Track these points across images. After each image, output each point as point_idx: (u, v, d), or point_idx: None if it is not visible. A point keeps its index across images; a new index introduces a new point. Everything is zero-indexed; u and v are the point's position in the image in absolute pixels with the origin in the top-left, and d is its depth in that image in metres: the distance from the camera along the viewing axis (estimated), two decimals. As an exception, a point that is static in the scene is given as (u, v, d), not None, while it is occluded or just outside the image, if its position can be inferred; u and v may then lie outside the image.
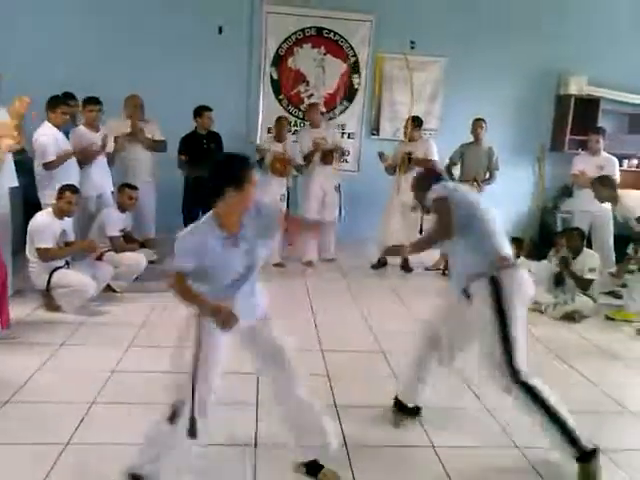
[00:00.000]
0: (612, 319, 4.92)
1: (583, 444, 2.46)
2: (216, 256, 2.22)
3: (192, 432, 2.17)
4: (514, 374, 2.51)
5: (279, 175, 6.02)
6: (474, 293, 2.67)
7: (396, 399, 3.09)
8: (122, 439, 2.70)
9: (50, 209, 4.53)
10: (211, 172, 2.31)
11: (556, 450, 2.56)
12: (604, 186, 4.96)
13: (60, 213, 4.51)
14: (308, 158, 6.14)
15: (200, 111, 5.93)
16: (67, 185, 4.57)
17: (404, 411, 3.06)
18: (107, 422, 2.86)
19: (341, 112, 7.19)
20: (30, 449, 2.61)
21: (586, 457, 2.46)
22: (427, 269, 6.39)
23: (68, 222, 4.61)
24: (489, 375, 2.61)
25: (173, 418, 2.21)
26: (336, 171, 6.29)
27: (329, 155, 6.10)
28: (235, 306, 2.18)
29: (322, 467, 2.51)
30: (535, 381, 2.53)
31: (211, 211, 2.32)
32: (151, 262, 5.44)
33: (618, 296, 5.38)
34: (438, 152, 6.13)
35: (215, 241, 2.23)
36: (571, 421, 2.50)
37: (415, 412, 3.06)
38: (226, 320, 2.13)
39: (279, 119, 6.18)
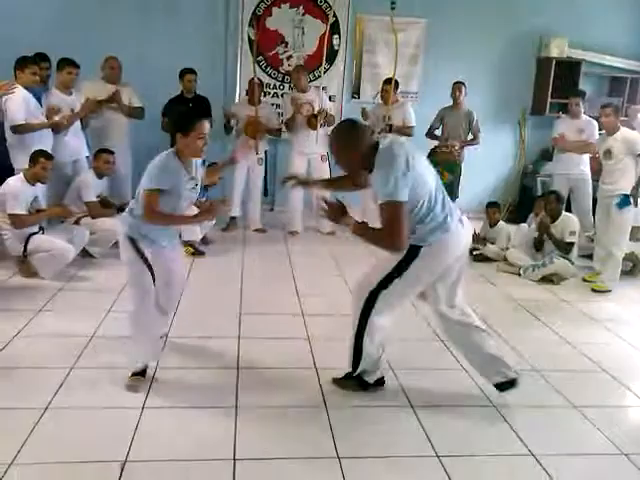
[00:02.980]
0: (589, 281, 4.99)
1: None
2: (180, 185, 2.83)
3: None
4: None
5: (252, 138, 5.87)
6: None
7: None
8: (101, 403, 2.71)
9: (22, 175, 4.42)
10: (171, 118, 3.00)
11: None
12: (617, 114, 4.90)
13: (34, 179, 4.41)
14: (289, 123, 6.00)
15: (181, 74, 5.84)
16: (40, 151, 4.44)
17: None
18: (86, 387, 2.85)
19: (321, 74, 7.05)
20: (8, 414, 2.59)
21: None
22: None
23: (40, 188, 4.51)
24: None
25: None
26: (322, 138, 5.96)
27: (312, 119, 5.88)
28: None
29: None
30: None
31: (172, 149, 2.85)
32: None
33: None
34: (417, 115, 6.12)
35: (180, 175, 2.83)
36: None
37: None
38: (214, 210, 3.02)
39: (251, 82, 6.04)
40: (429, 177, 2.64)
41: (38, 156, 4.37)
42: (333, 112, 6.22)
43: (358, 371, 2.90)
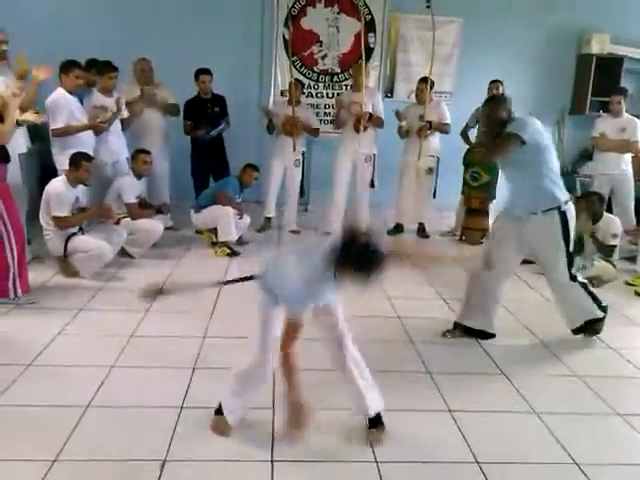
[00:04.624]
0: (632, 285, 4.86)
1: (603, 305, 3.64)
2: None
3: None
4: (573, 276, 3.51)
5: (289, 135, 5.90)
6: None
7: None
8: (141, 401, 2.75)
9: (64, 176, 4.50)
10: None
11: (589, 318, 3.60)
12: None
13: (77, 182, 4.48)
14: (337, 122, 6.03)
15: (196, 74, 5.87)
16: (80, 153, 4.49)
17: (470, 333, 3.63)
18: (127, 385, 2.91)
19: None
20: (52, 411, 2.65)
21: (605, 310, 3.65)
22: (443, 235, 6.35)
23: (81, 189, 4.59)
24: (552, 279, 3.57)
25: None
26: (367, 140, 5.92)
27: (356, 122, 5.80)
28: None
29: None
30: (581, 277, 3.59)
31: None
32: (167, 228, 5.45)
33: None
34: (451, 115, 6.08)
35: None
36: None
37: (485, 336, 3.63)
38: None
39: (291, 83, 6.07)
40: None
41: (80, 159, 4.42)
42: (382, 113, 6.02)
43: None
